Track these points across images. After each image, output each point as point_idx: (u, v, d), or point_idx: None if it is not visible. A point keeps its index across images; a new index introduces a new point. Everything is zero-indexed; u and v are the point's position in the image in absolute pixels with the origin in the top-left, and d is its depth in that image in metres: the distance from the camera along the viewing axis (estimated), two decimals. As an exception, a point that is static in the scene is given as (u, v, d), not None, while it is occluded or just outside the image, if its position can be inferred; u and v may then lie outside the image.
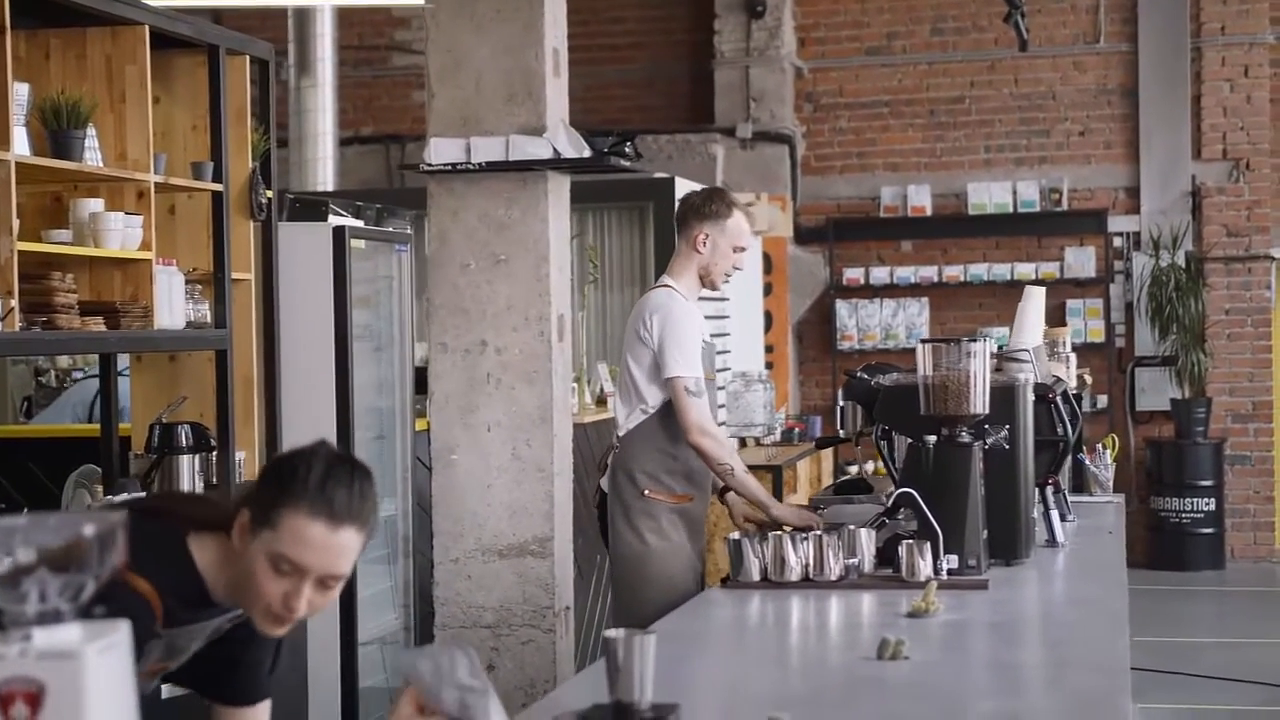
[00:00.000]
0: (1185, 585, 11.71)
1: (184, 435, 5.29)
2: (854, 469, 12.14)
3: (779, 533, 4.27)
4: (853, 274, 12.79)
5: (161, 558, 2.60)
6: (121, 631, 1.76)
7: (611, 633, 2.67)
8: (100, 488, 5.27)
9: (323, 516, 2.52)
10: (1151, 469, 12.30)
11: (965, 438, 4.34)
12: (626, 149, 5.81)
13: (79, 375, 8.37)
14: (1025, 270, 12.42)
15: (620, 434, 5.23)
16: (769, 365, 12.04)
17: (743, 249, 5.26)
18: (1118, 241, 12.59)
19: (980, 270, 12.59)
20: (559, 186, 5.74)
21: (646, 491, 5.13)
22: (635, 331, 5.18)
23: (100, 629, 1.74)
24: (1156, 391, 12.43)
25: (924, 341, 4.40)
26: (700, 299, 5.59)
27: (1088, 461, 6.32)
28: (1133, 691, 7.30)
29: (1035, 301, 5.46)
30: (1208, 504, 12.09)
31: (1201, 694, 8.31)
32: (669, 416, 5.12)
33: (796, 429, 10.94)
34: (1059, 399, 5.01)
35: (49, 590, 1.72)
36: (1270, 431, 12.49)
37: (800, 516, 4.98)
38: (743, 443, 10.12)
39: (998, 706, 2.95)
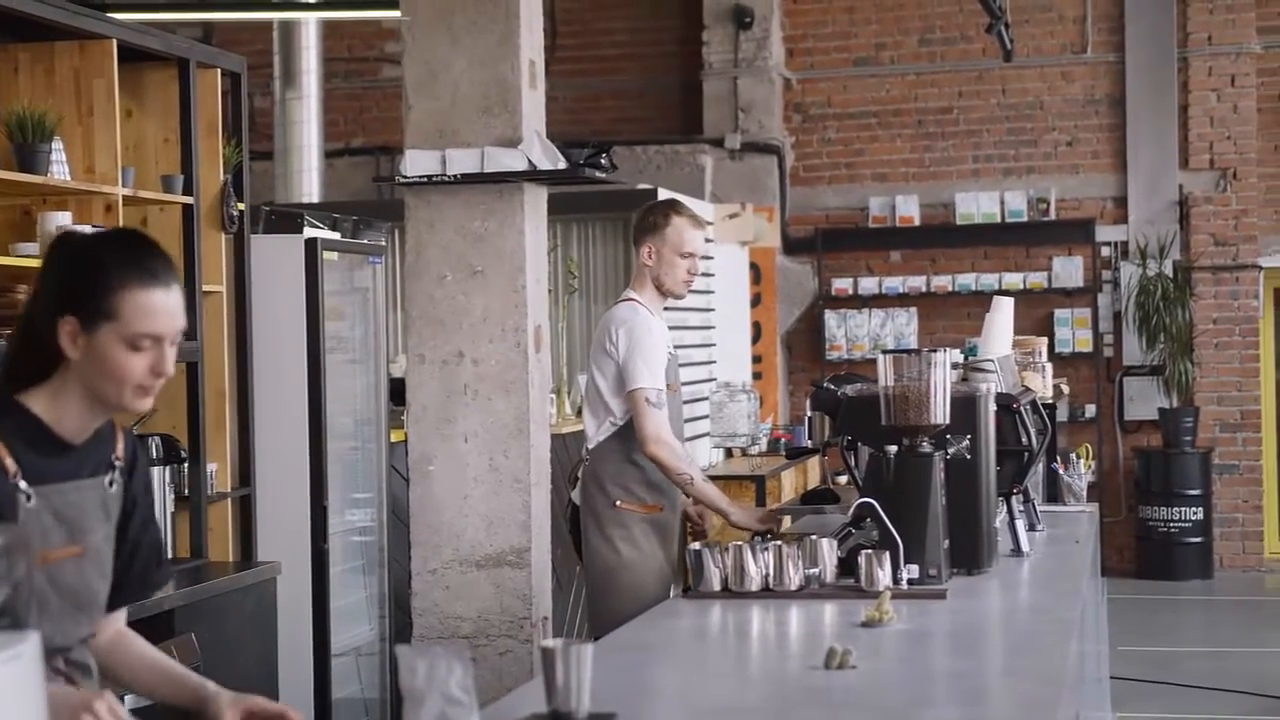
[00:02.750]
0: (1173, 594, 11.71)
1: (155, 447, 5.30)
2: (844, 479, 12.15)
3: (739, 543, 4.29)
4: (841, 284, 12.81)
5: None
6: (30, 642, 1.78)
7: (548, 643, 2.70)
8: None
9: (154, 284, 2.64)
10: (1140, 478, 12.30)
11: (926, 448, 4.35)
12: (602, 160, 5.84)
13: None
14: (1013, 280, 12.44)
15: (590, 446, 5.33)
16: (758, 375, 12.07)
17: (690, 254, 5.34)
18: (1105, 251, 12.60)
19: (968, 280, 12.61)
20: (535, 198, 5.76)
21: (618, 503, 5.22)
22: (601, 345, 5.28)
23: (7, 639, 1.76)
24: (1144, 401, 12.43)
25: (885, 352, 4.41)
26: (679, 308, 5.63)
27: (1061, 471, 6.33)
28: (1117, 700, 7.34)
29: (1003, 312, 5.48)
30: (1196, 513, 12.09)
31: (1186, 703, 8.32)
32: None
33: (783, 439, 10.96)
34: (1025, 409, 5.02)
35: (-47, 601, 1.74)
36: (1258, 440, 12.50)
37: (761, 519, 5.05)
38: (728, 453, 10.14)
39: (937, 714, 2.96)
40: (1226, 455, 12.43)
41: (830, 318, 12.79)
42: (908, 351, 4.38)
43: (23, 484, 2.61)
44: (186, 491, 5.50)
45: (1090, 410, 12.40)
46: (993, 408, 4.64)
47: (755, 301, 12.20)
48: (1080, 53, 12.66)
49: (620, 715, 2.74)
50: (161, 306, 2.65)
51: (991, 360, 5.10)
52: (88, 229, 2.78)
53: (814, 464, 10.99)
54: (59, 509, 2.66)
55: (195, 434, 5.50)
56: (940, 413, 4.33)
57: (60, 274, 2.68)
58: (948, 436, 4.43)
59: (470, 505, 5.57)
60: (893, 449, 4.34)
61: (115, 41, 5.09)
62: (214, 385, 5.69)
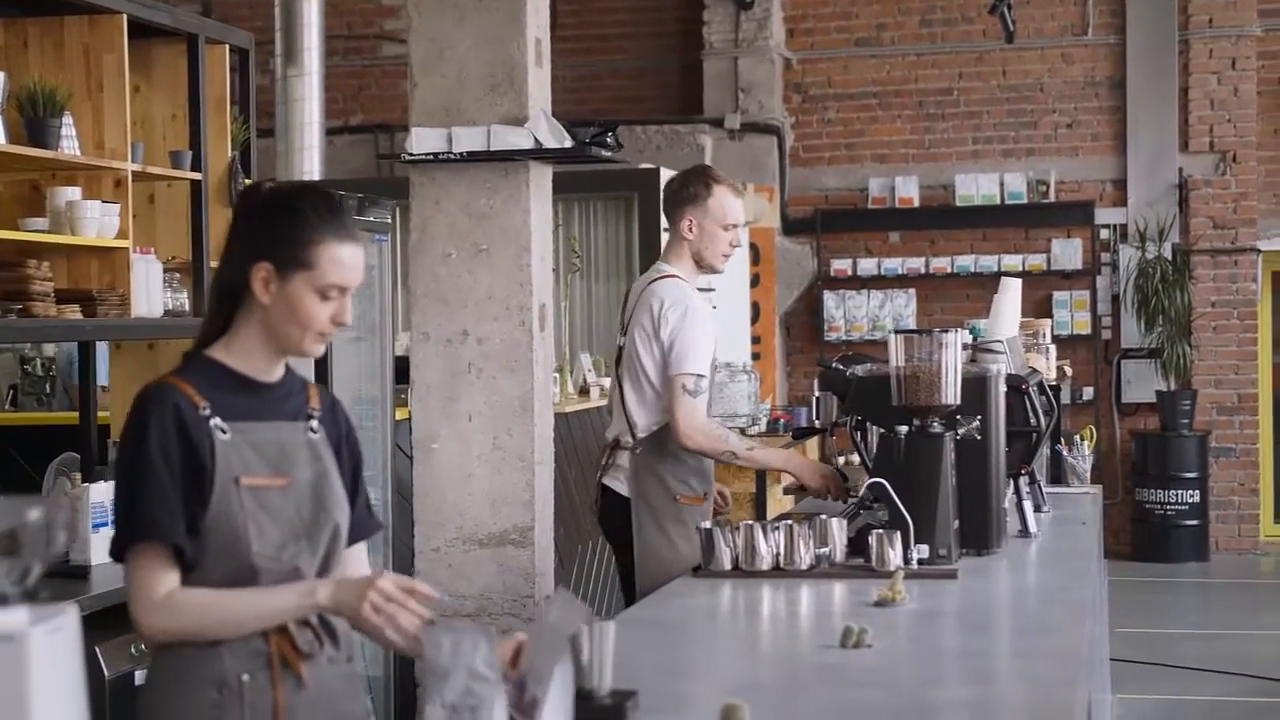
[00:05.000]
0: (1169, 577, 11.74)
1: (162, 424, 5.28)
2: (841, 459, 12.16)
3: (750, 522, 4.29)
4: (840, 265, 12.81)
5: (181, 367, 2.86)
6: (69, 615, 1.78)
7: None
8: (79, 475, 5.28)
9: (348, 239, 2.82)
10: (1137, 461, 12.33)
11: (937, 428, 4.35)
12: (608, 139, 5.82)
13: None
14: (1012, 262, 12.45)
15: (639, 435, 5.06)
16: (756, 356, 12.06)
17: (733, 225, 5.10)
18: (1104, 233, 12.61)
19: (967, 262, 12.61)
20: (540, 176, 5.75)
21: (679, 497, 5.01)
22: (645, 326, 5.02)
23: (48, 612, 1.76)
24: (1142, 383, 12.45)
25: (896, 332, 4.41)
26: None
27: (1065, 453, 6.34)
28: (1113, 682, 7.37)
29: (1011, 293, 5.48)
30: (1192, 496, 12.12)
31: (1183, 685, 8.34)
32: None
33: (783, 419, 10.96)
34: (1033, 390, 5.02)
35: (-6, 573, 1.74)
36: (1255, 424, 12.52)
37: (823, 475, 4.96)
38: (728, 433, 10.13)
39: (953, 694, 2.98)
40: (1223, 438, 12.46)
41: (829, 298, 12.80)
42: (919, 332, 4.37)
43: (216, 419, 2.77)
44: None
45: (1088, 393, 12.42)
46: (1003, 389, 4.64)
47: (754, 282, 12.19)
48: (1081, 35, 12.66)
49: (642, 692, 2.75)
50: (352, 260, 2.82)
51: (1001, 341, 5.10)
52: (270, 183, 2.99)
53: (813, 444, 11.00)
54: (257, 444, 2.82)
55: (202, 410, 5.49)
56: (951, 393, 4.33)
57: (258, 223, 2.84)
58: (958, 417, 4.43)
59: (474, 484, 5.56)
60: (904, 429, 4.35)
61: (125, 16, 5.07)
62: (221, 362, 5.68)
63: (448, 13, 5.65)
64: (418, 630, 2.67)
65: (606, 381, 8.28)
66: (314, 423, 2.90)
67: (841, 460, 12.42)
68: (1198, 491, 12.13)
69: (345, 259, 2.80)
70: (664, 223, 9.61)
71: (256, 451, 2.81)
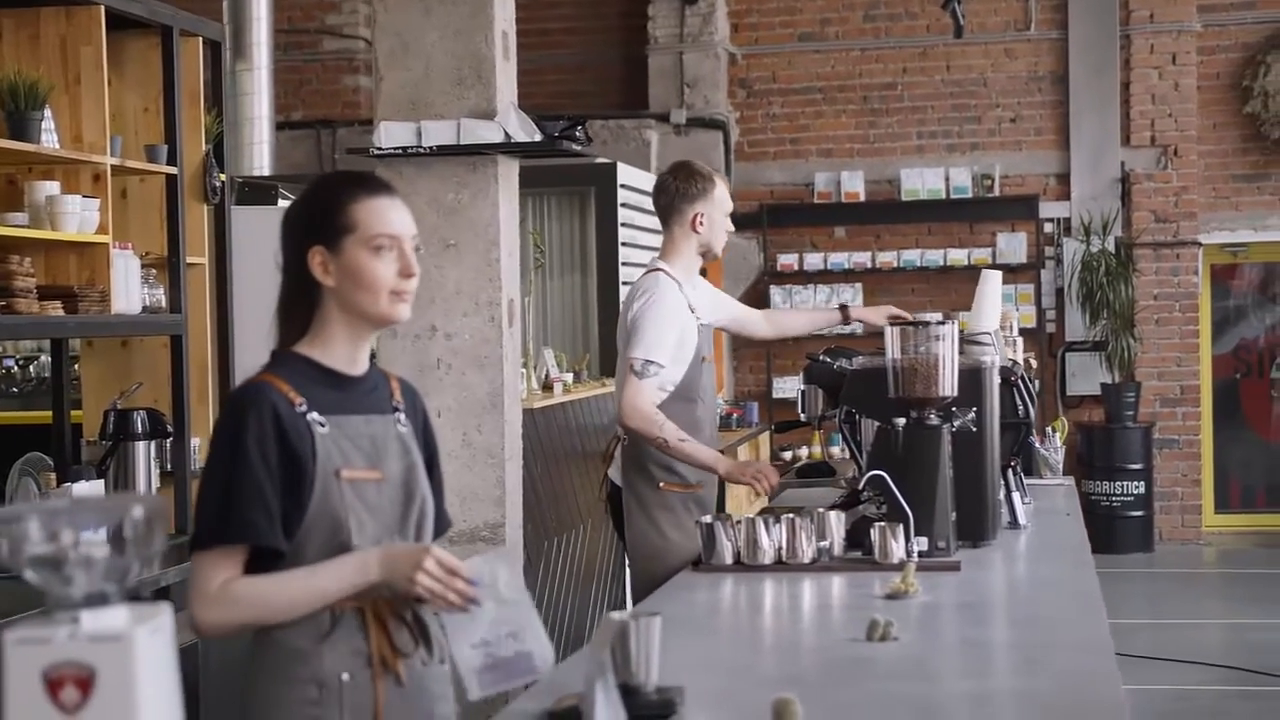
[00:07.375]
0: (1115, 568, 11.82)
1: (140, 422, 5.22)
2: (788, 454, 12.19)
3: (752, 516, 4.27)
4: (787, 260, 12.83)
5: (271, 365, 2.83)
6: (165, 614, 1.74)
7: (618, 615, 2.67)
8: (53, 475, 5.18)
9: (378, 192, 2.83)
10: (1082, 452, 12.43)
11: (934, 420, 4.35)
12: (577, 134, 5.80)
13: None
14: (958, 256, 12.51)
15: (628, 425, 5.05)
16: (704, 351, 12.06)
17: (729, 211, 5.29)
18: (1049, 227, 12.70)
19: (913, 256, 12.66)
20: (508, 171, 5.72)
21: (662, 484, 5.05)
22: (624, 318, 5.10)
23: (147, 611, 1.72)
24: (1087, 376, 12.55)
25: (893, 324, 4.41)
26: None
27: (1038, 444, 6.36)
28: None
29: (993, 284, 5.49)
30: (1137, 487, 12.23)
31: (1133, 675, 8.41)
32: (676, 405, 5.02)
33: (734, 415, 10.98)
34: (1020, 381, 5.05)
35: (96, 573, 1.70)
36: (1198, 415, 12.65)
37: (753, 474, 4.94)
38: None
39: (994, 685, 2.97)
40: (1166, 430, 12.57)
41: (776, 293, 12.81)
42: (916, 324, 4.37)
43: (313, 414, 2.76)
44: (170, 467, 5.40)
45: (1034, 385, 12.48)
46: (996, 380, 4.65)
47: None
48: (1024, 30, 12.74)
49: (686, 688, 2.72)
50: (388, 208, 2.81)
51: (988, 333, 5.11)
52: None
53: (764, 439, 11.03)
54: (353, 437, 2.79)
55: (179, 408, 5.41)
56: (948, 385, 4.33)
57: (295, 219, 2.84)
58: (953, 409, 4.43)
59: (444, 480, 5.52)
60: (901, 421, 4.34)
61: (103, 8, 4.98)
62: (197, 359, 5.61)
63: (414, 6, 5.61)
64: (465, 604, 2.66)
65: (570, 377, 8.25)
66: (401, 415, 2.88)
67: (788, 455, 12.45)
68: (1142, 483, 12.25)
69: (383, 209, 2.79)
70: (623, 217, 9.63)
71: (354, 444, 2.79)
